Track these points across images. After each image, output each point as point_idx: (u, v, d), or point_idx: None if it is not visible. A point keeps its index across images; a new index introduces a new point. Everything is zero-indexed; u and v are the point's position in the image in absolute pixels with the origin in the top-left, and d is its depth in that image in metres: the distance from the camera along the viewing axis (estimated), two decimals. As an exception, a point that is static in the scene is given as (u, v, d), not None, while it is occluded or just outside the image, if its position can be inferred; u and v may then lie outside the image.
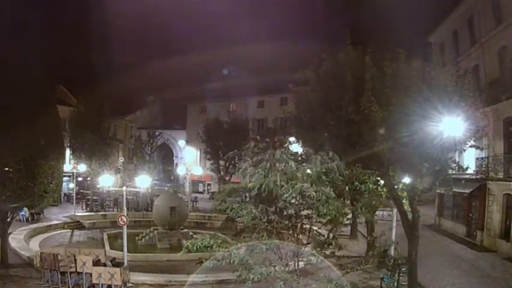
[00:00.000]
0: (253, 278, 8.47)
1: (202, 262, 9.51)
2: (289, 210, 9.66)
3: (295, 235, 9.75)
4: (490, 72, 22.27)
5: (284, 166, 9.59)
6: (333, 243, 10.03)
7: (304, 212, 9.98)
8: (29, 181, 15.79)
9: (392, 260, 13.99)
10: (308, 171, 9.60)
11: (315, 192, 8.98)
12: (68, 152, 34.81)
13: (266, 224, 9.56)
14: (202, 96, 54.29)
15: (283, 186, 9.17)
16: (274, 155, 9.63)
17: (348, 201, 12.83)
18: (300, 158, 12.10)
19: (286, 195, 9.10)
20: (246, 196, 10.05)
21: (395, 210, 15.68)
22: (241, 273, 8.69)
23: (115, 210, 31.71)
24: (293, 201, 9.48)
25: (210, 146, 41.35)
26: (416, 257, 13.49)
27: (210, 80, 52.59)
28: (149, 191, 33.98)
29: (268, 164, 9.39)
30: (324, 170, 9.68)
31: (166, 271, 16.52)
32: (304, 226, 10.15)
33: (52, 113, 17.58)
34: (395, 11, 28.45)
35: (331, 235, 10.31)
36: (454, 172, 14.48)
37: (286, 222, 9.59)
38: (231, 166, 39.61)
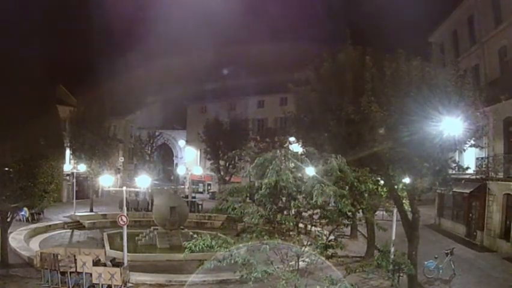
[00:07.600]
0: (255, 277, 8.46)
1: (202, 263, 9.52)
2: (294, 210, 9.67)
3: (297, 235, 9.75)
4: (490, 72, 22.28)
5: (293, 166, 9.60)
6: (335, 244, 10.01)
7: (307, 213, 9.98)
8: (29, 181, 15.81)
9: (391, 260, 13.96)
10: (313, 171, 9.62)
11: (334, 191, 9.06)
12: (68, 152, 34.89)
13: (269, 224, 9.55)
14: (202, 96, 54.28)
15: (299, 185, 9.20)
16: (286, 154, 9.65)
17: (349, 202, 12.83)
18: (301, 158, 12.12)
19: (306, 193, 9.13)
20: (247, 196, 10.05)
21: (395, 210, 15.67)
22: (243, 273, 8.68)
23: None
24: (304, 201, 9.50)
25: (210, 146, 41.29)
26: (416, 257, 13.50)
27: (210, 80, 52.55)
28: (149, 191, 33.95)
29: (279, 163, 9.39)
30: (324, 170, 9.69)
31: (166, 271, 16.50)
32: (307, 227, 10.16)
33: (52, 113, 17.63)
34: (395, 11, 28.45)
35: (332, 236, 10.30)
36: (454, 172, 14.48)
37: (291, 223, 9.58)
38: (231, 166, 39.59)
